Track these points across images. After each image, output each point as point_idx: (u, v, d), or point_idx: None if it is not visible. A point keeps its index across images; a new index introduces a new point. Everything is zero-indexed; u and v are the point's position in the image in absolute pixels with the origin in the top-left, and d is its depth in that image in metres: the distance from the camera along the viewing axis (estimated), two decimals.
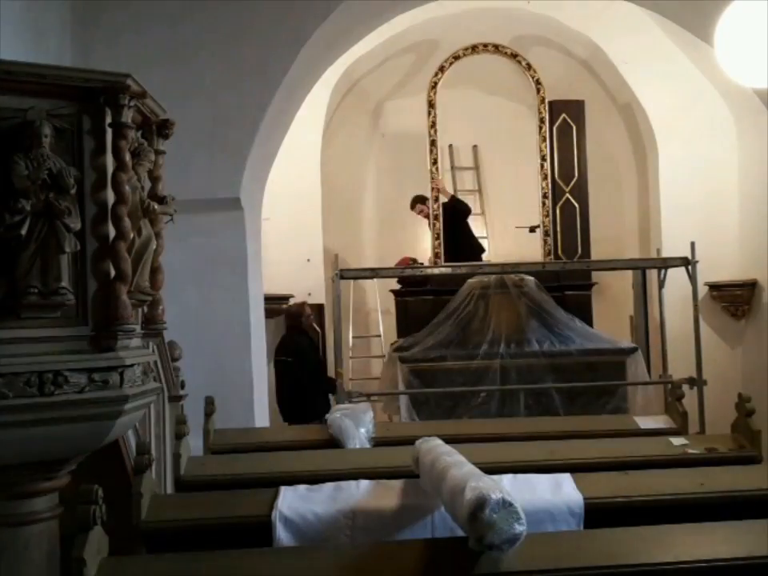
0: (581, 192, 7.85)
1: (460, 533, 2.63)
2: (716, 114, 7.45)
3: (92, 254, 2.12)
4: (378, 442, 4.29)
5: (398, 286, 7.80)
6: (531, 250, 8.01)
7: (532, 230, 8.09)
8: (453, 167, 9.00)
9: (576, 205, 7.82)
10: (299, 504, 2.91)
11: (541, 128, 7.96)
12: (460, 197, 8.72)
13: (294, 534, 2.81)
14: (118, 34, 4.94)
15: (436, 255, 7.89)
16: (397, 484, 3.10)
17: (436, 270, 7.08)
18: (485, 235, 8.49)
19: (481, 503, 2.23)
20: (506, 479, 3.04)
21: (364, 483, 3.09)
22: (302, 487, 3.07)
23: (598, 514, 2.85)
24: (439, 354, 6.77)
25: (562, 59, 8.52)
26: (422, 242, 8.48)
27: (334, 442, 4.25)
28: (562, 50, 8.45)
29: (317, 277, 7.89)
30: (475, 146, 8.78)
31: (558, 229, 7.85)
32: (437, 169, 8.00)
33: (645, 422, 4.56)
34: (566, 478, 3.08)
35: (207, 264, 5.09)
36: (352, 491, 3.02)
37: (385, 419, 6.82)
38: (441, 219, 7.56)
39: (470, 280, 7.09)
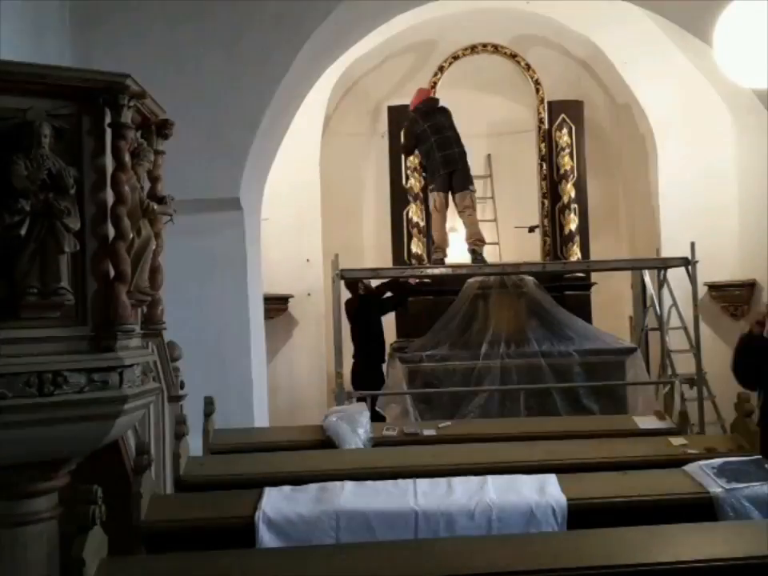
0: (580, 192, 7.85)
1: (443, 534, 2.63)
2: (715, 114, 7.45)
3: (91, 254, 2.12)
4: (377, 442, 4.29)
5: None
6: (531, 250, 8.01)
7: (531, 229, 8.08)
8: None
9: (575, 205, 7.82)
10: (283, 505, 2.90)
11: (540, 128, 7.96)
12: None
13: (278, 535, 2.79)
14: (118, 34, 4.94)
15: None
16: (381, 485, 3.10)
17: (436, 271, 7.06)
18: (496, 241, 8.48)
19: None
20: (490, 480, 3.05)
21: (349, 484, 3.08)
22: (286, 488, 3.06)
23: (597, 514, 2.86)
24: (440, 354, 6.76)
25: (561, 59, 8.51)
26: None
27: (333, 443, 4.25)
28: (562, 50, 8.45)
29: (317, 277, 7.87)
30: (489, 155, 8.78)
31: (558, 229, 7.86)
32: None
33: (644, 422, 4.57)
34: (551, 479, 3.07)
35: (207, 264, 5.09)
36: (336, 492, 3.01)
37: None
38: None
39: (469, 280, 7.08)
